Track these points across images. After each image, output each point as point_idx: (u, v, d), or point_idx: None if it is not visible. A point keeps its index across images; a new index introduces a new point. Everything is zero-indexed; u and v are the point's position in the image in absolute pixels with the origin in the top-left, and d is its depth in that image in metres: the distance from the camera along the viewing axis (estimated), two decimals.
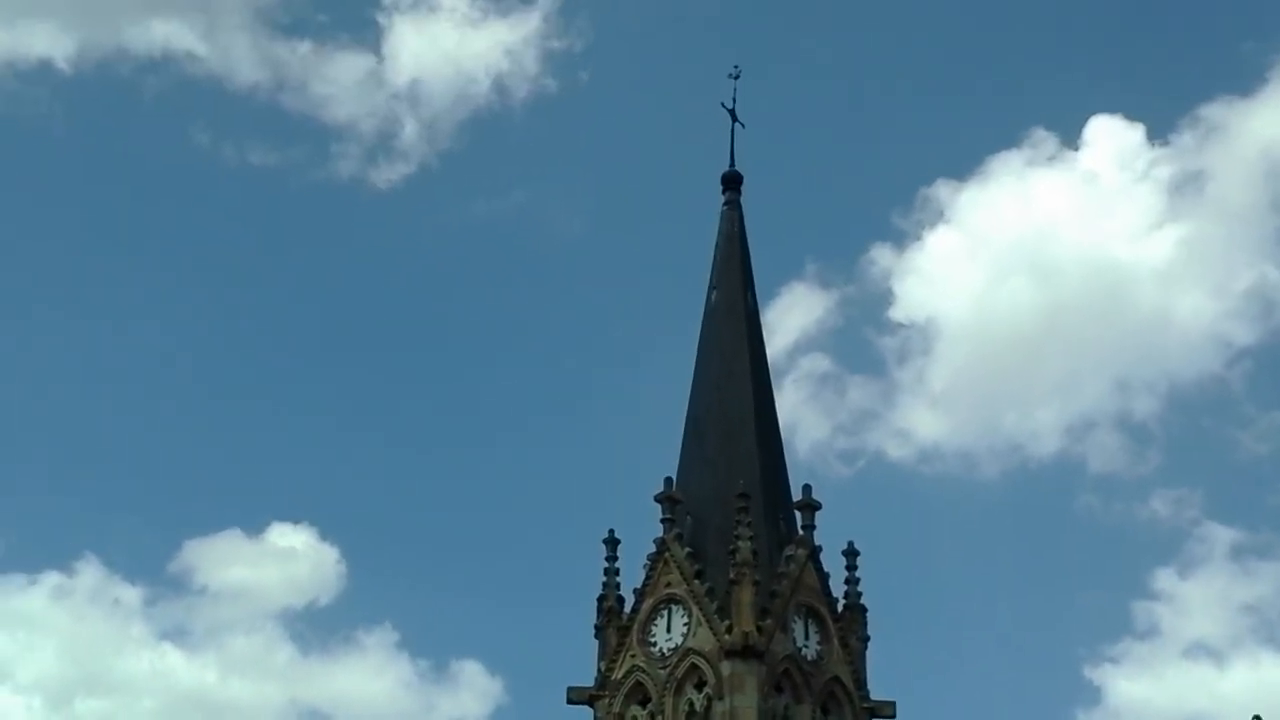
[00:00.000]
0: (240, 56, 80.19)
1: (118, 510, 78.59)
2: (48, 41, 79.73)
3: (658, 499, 36.55)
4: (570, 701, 35.97)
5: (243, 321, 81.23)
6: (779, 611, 34.78)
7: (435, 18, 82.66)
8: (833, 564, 36.73)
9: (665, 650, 35.14)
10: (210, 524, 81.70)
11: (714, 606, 34.62)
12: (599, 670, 36.00)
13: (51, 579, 76.07)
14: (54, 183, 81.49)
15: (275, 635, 75.67)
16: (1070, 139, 79.31)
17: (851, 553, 37.16)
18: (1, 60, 79.38)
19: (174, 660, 74.54)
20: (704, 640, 34.62)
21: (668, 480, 36.84)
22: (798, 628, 35.32)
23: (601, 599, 36.68)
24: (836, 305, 77.91)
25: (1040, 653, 73.48)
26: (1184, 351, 76.63)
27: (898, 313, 77.20)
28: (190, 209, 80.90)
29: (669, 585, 35.61)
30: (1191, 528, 76.39)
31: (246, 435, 79.46)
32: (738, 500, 35.11)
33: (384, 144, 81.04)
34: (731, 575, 34.56)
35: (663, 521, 36.28)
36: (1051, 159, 79.35)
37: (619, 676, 35.55)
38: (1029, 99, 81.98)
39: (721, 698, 33.86)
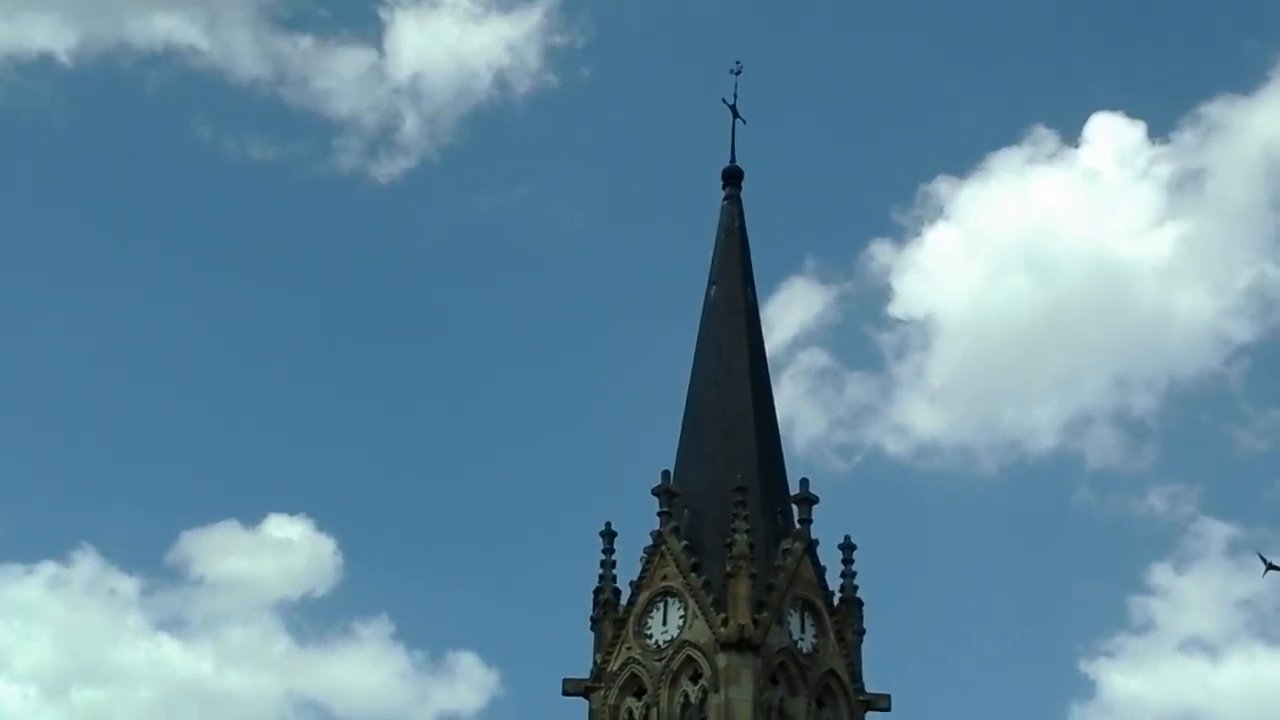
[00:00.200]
0: (242, 50, 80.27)
1: (114, 500, 78.96)
2: (49, 34, 79.80)
3: (655, 492, 36.66)
4: (566, 693, 36.06)
5: (242, 314, 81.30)
6: (775, 605, 34.88)
7: (437, 13, 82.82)
8: (829, 558, 36.89)
9: (661, 643, 35.24)
10: (207, 515, 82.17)
11: (710, 599, 34.73)
12: (594, 662, 36.10)
13: (48, 569, 76.13)
14: (55, 176, 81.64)
15: (272, 626, 75.77)
16: (1071, 136, 79.45)
17: (848, 546, 37.25)
18: (3, 53, 79.41)
19: (170, 650, 74.65)
20: (700, 633, 34.72)
21: (665, 473, 36.94)
22: (794, 621, 35.42)
23: (598, 591, 36.75)
24: (836, 301, 78.10)
25: (1036, 647, 73.77)
26: (1183, 349, 76.82)
27: (897, 309, 77.35)
28: (191, 203, 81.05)
29: (665, 578, 35.72)
30: (1188, 523, 76.59)
31: (244, 427, 79.65)
32: (735, 494, 35.20)
33: (385, 138, 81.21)
34: (728, 568, 34.67)
35: (659, 514, 36.39)
36: (1052, 156, 79.50)
37: (615, 669, 35.65)
38: (1030, 96, 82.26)
39: (717, 690, 33.97)
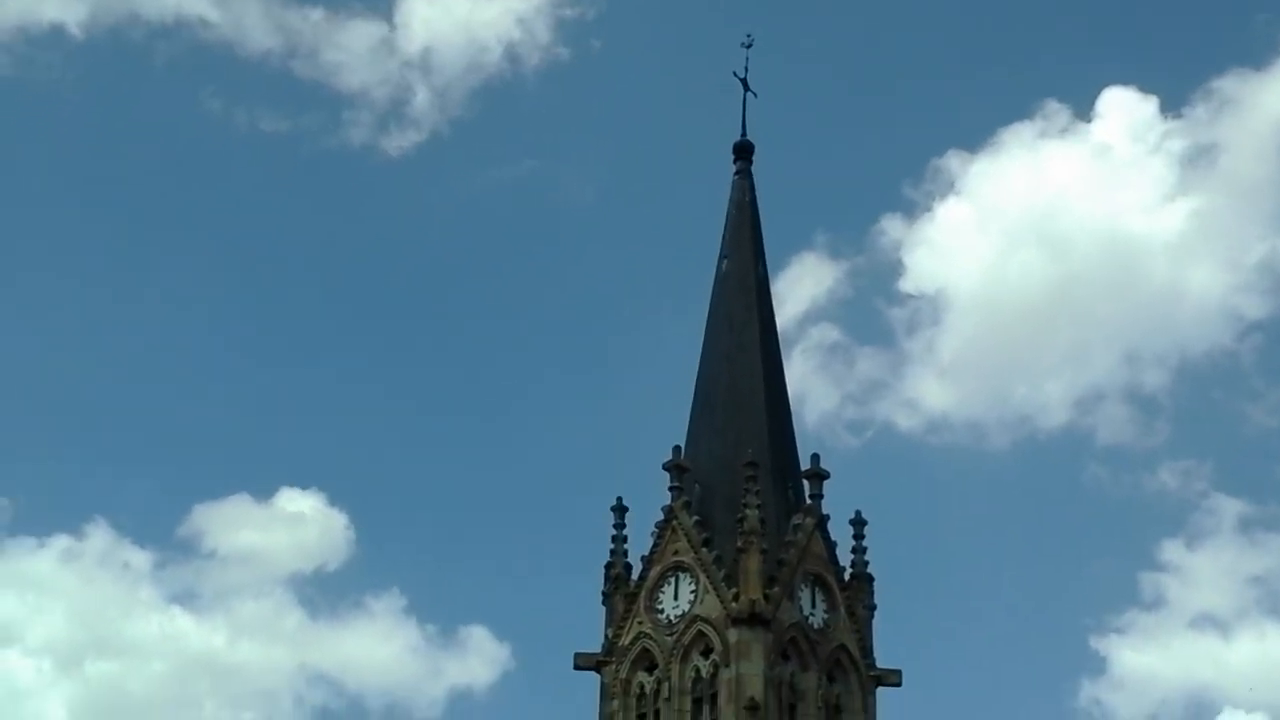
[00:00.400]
0: (252, 23, 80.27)
1: (127, 474, 78.99)
2: (60, 7, 79.91)
3: (666, 467, 36.68)
4: (577, 667, 36.14)
5: (253, 287, 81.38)
6: (786, 579, 34.91)
7: None
8: (840, 533, 36.94)
9: (672, 617, 35.29)
10: (219, 488, 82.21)
11: (721, 574, 34.76)
12: (606, 637, 36.17)
13: (61, 542, 76.28)
14: (65, 148, 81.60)
15: (284, 599, 75.93)
16: (1083, 111, 79.28)
17: (859, 522, 37.27)
18: (14, 25, 79.45)
19: (183, 624, 74.82)
20: (711, 607, 34.76)
21: (676, 448, 36.94)
22: (804, 596, 35.46)
23: (609, 566, 36.81)
24: (846, 275, 78.02)
25: (1046, 623, 73.70)
26: (1194, 324, 76.70)
27: (908, 284, 77.19)
28: (201, 175, 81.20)
29: (677, 553, 35.76)
30: (1199, 500, 76.45)
31: (256, 400, 79.82)
32: (746, 469, 35.21)
33: (396, 111, 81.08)
34: (739, 543, 34.69)
35: (671, 489, 36.41)
36: (1064, 131, 79.28)
37: (626, 643, 35.71)
38: (1042, 71, 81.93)
39: (728, 665, 34.03)
